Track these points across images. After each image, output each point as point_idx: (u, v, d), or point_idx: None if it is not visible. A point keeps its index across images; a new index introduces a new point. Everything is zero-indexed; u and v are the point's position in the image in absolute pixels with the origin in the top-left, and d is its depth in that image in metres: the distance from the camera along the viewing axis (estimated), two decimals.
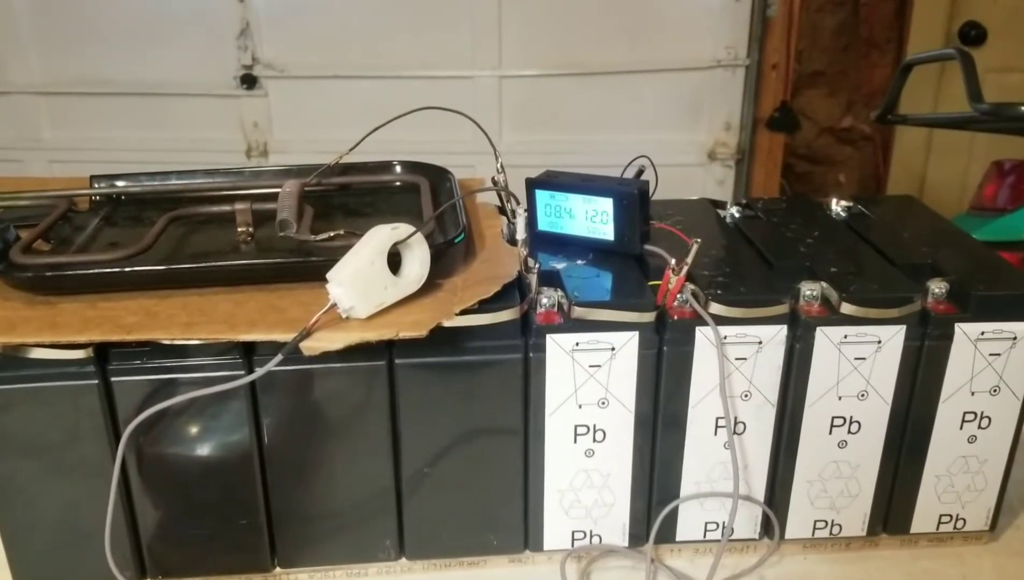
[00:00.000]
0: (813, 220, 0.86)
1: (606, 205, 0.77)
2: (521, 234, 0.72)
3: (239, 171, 0.89)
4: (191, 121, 2.55)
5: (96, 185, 0.88)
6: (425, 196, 0.84)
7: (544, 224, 0.81)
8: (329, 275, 0.65)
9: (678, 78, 2.51)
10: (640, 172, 0.81)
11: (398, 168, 0.92)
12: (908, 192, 2.76)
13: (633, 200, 0.76)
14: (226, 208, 0.79)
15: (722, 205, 0.89)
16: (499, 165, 0.82)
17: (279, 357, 0.63)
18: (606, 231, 0.78)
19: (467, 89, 2.51)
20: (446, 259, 0.72)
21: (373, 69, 2.48)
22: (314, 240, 0.72)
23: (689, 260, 0.70)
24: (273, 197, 0.78)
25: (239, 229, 0.78)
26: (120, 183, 0.88)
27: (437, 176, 0.89)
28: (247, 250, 0.77)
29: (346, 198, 0.88)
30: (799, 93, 2.62)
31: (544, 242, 0.80)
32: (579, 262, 0.77)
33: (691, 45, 2.47)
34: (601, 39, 2.47)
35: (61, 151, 2.60)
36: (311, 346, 0.63)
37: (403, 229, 0.67)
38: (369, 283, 0.65)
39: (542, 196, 0.80)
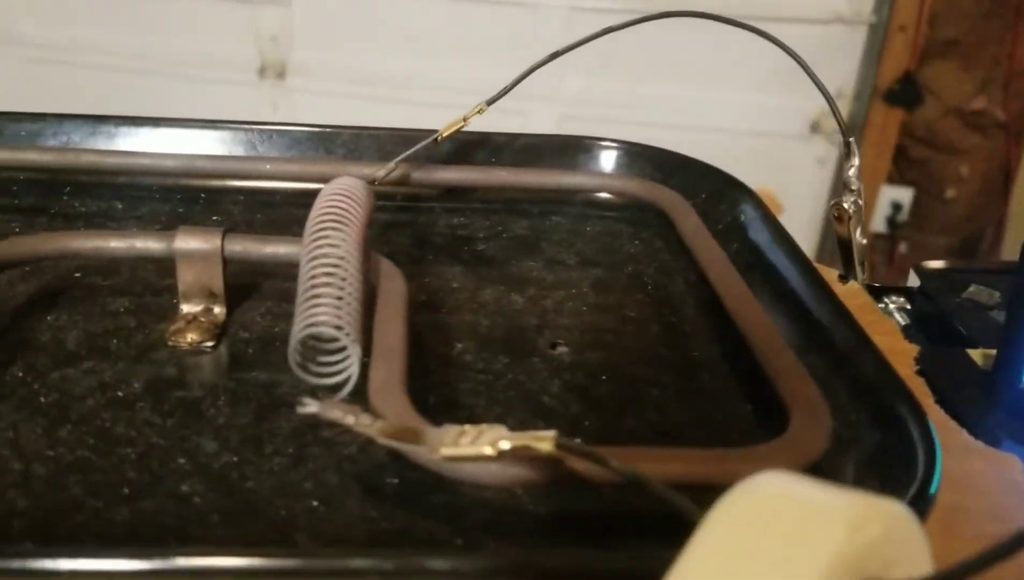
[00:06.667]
0: None
1: None
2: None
3: (211, 125, 0.47)
4: (194, 27, 2.12)
5: None
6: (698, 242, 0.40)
7: None
8: None
9: (785, 30, 1.98)
10: None
11: (609, 159, 0.47)
12: None
13: None
14: (152, 245, 0.37)
15: None
16: (853, 195, 0.38)
17: None
18: None
19: (527, 20, 2.07)
20: None
21: None
22: (440, 453, 0.27)
23: None
24: (285, 213, 0.36)
25: (180, 321, 0.36)
26: None
27: (704, 190, 0.45)
28: (177, 419, 0.34)
29: (469, 237, 0.45)
30: (926, 63, 2.18)
31: None
32: None
33: None
34: None
35: (41, 48, 2.17)
36: None
37: None
38: None
39: None
